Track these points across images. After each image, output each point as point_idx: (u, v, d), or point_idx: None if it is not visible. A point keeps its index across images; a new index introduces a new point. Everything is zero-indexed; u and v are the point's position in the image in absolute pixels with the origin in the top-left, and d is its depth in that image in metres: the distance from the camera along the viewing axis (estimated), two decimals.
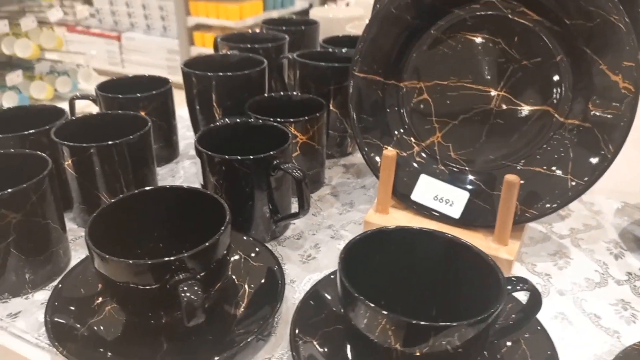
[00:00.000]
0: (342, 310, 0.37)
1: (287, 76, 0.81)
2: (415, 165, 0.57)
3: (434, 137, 0.56)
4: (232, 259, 0.50)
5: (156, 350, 0.41)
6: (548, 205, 0.50)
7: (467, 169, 0.54)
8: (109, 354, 0.41)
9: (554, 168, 0.50)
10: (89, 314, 0.44)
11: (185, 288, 0.37)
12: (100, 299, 0.46)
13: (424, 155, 0.57)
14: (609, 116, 0.47)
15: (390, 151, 0.53)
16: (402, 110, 0.57)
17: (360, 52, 0.56)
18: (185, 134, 0.83)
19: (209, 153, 0.52)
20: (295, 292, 0.49)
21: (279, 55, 0.79)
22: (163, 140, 0.72)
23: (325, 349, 0.40)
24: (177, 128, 0.76)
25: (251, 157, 0.51)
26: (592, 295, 0.48)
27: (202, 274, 0.40)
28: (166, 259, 0.38)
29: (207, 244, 0.40)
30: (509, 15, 0.51)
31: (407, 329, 0.32)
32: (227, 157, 0.51)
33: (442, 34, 0.54)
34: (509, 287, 0.36)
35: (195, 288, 0.37)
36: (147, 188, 0.48)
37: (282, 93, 0.71)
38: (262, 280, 0.48)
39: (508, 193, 0.48)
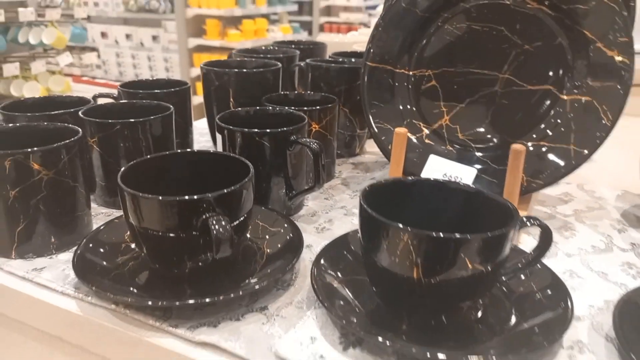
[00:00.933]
0: (363, 243, 0.39)
1: (297, 87, 0.85)
2: (424, 146, 0.60)
3: (442, 120, 0.59)
4: (252, 223, 0.51)
5: (181, 295, 0.42)
6: (553, 175, 0.52)
7: (473, 147, 0.58)
8: (135, 290, 0.42)
9: (557, 141, 0.53)
10: (114, 267, 0.46)
11: (214, 221, 0.39)
12: (125, 256, 0.48)
13: (432, 137, 0.60)
14: (607, 88, 0.51)
15: (401, 129, 0.57)
16: (411, 97, 0.61)
17: (372, 43, 0.60)
18: (199, 139, 0.86)
19: (231, 127, 0.55)
20: (312, 254, 0.51)
21: (290, 64, 0.84)
22: (179, 136, 0.75)
23: (345, 290, 0.42)
24: (193, 132, 0.79)
25: (269, 130, 0.54)
26: (598, 258, 0.50)
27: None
28: (193, 196, 0.40)
29: (229, 189, 0.42)
30: (511, 5, 0.56)
31: (428, 243, 0.34)
32: (247, 130, 0.54)
33: (448, 25, 0.59)
34: (522, 221, 0.38)
35: (223, 223, 0.39)
36: (178, 150, 0.50)
37: (296, 92, 0.75)
38: (280, 242, 0.50)
39: (515, 162, 0.51)
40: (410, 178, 0.43)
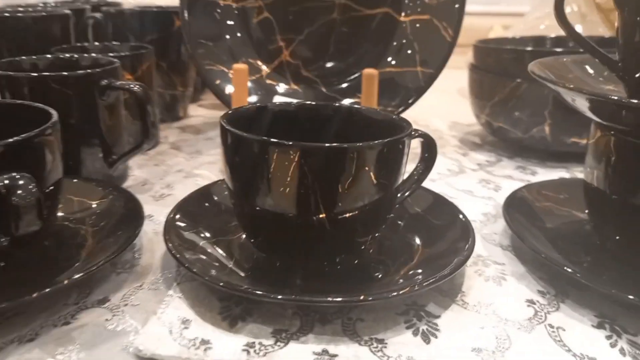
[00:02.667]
0: (233, 183, 0.30)
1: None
2: (265, 88, 0.52)
3: (282, 56, 0.53)
4: (63, 199, 0.38)
5: None
6: (405, 99, 0.50)
7: (320, 82, 0.52)
8: None
9: (404, 64, 0.51)
10: None
11: (7, 181, 0.26)
12: None
13: (273, 76, 0.53)
14: (444, 4, 0.50)
15: (240, 65, 0.48)
16: (243, 32, 0.53)
17: None
18: None
19: (13, 74, 0.40)
20: (154, 224, 0.40)
21: (81, 18, 0.68)
22: None
23: (216, 250, 0.32)
24: None
25: (68, 73, 0.41)
26: (457, 179, 0.50)
27: None
28: None
29: (21, 137, 0.29)
30: None
31: (325, 158, 0.27)
32: (37, 74, 0.40)
33: None
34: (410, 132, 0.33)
35: (22, 181, 0.26)
36: None
37: (97, 43, 0.61)
38: (110, 216, 0.37)
39: (369, 88, 0.47)
40: (276, 103, 0.36)
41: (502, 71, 0.54)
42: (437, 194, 0.40)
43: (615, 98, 0.29)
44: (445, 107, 0.76)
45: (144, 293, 0.31)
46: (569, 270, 0.30)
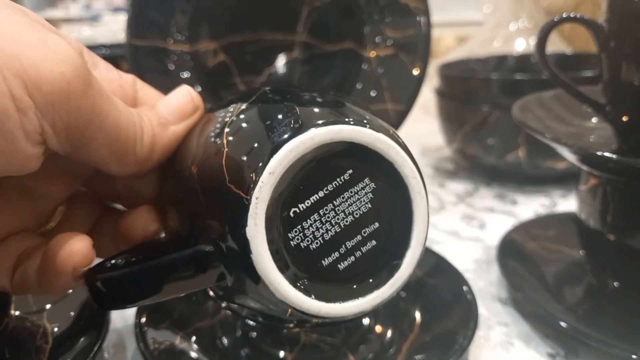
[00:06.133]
0: None
1: None
2: None
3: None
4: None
5: None
6: None
7: None
8: None
9: (372, 102, 0.49)
10: None
11: None
12: None
13: None
14: (408, 38, 0.48)
15: None
16: (198, 78, 0.49)
17: (132, 13, 0.46)
18: None
19: None
20: (124, 311, 0.36)
21: None
22: None
23: (195, 346, 0.29)
24: None
25: None
26: (440, 218, 0.48)
27: None
28: None
29: None
30: None
31: None
32: None
33: None
34: None
35: None
36: None
37: None
38: (71, 308, 0.34)
39: None
40: None
41: (471, 99, 0.53)
42: (441, 256, 0.37)
43: (601, 154, 0.27)
44: (410, 129, 0.74)
45: None
46: (574, 330, 0.28)
